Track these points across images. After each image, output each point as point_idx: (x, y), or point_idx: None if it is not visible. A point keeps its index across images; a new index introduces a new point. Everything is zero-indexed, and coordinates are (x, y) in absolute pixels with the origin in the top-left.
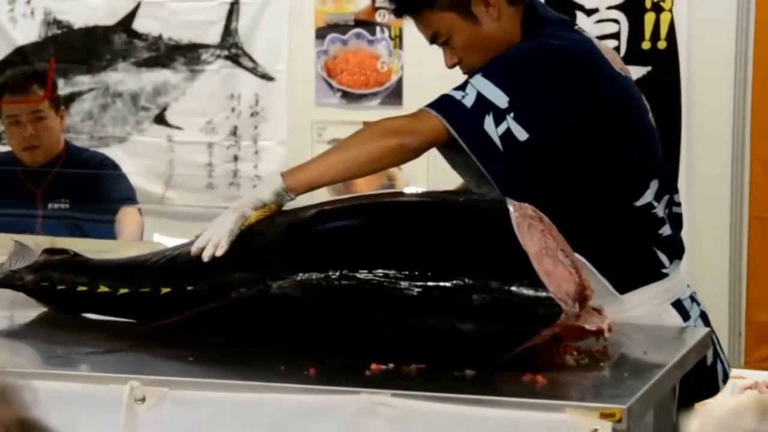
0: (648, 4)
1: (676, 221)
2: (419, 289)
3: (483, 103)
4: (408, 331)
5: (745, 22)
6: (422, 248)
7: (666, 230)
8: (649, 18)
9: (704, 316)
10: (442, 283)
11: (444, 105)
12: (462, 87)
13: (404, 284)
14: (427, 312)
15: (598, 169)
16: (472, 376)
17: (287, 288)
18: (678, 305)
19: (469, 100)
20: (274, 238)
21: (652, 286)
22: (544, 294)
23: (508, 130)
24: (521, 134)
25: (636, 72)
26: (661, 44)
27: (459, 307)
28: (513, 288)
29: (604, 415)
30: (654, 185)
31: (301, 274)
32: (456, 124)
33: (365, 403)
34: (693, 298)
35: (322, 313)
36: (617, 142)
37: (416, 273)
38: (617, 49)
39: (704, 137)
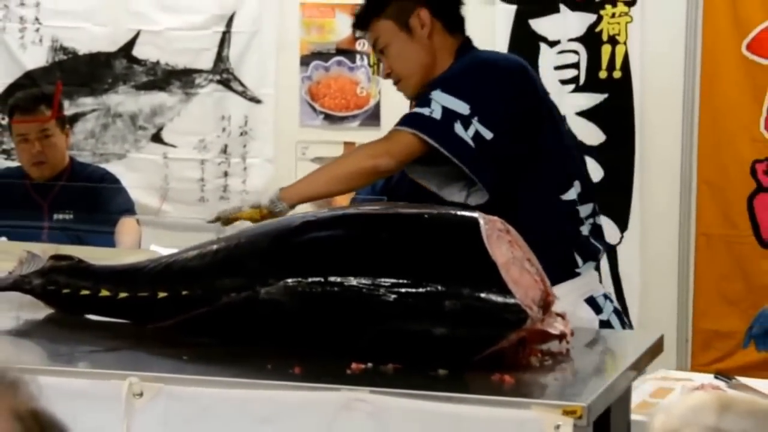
0: (605, 37)
1: (598, 231)
2: (396, 295)
3: (449, 114)
4: (386, 334)
5: (692, 54)
6: (399, 257)
7: (585, 230)
8: (606, 50)
9: (618, 312)
10: (417, 290)
11: (417, 121)
12: (426, 104)
13: (382, 290)
14: (404, 316)
15: (537, 162)
16: (445, 375)
17: (274, 293)
18: (591, 301)
19: (437, 114)
20: (263, 247)
21: (566, 284)
22: (511, 301)
23: (477, 132)
24: (487, 134)
25: (593, 99)
26: (617, 74)
27: (433, 312)
28: (483, 295)
29: (567, 412)
30: (577, 186)
31: (287, 281)
32: (432, 134)
33: (346, 399)
34: (606, 297)
35: (306, 317)
36: (551, 139)
37: (394, 280)
38: (577, 77)
39: (655, 159)
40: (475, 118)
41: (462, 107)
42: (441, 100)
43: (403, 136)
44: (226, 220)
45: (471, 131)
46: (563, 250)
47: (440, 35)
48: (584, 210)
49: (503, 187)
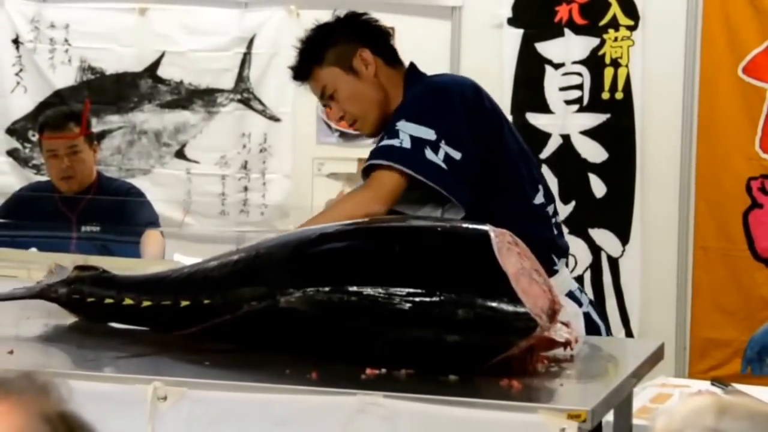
0: (607, 60)
1: (560, 230)
2: (411, 304)
3: (418, 141)
4: (401, 341)
5: (691, 76)
6: (414, 268)
7: (555, 229)
8: (608, 72)
9: (593, 303)
10: (431, 299)
11: (390, 153)
12: (395, 135)
13: (397, 300)
14: (418, 324)
15: (505, 172)
16: (455, 380)
17: (293, 302)
18: (571, 295)
19: (406, 143)
20: (282, 258)
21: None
22: (521, 310)
23: (447, 154)
24: (456, 155)
25: (596, 119)
26: (619, 95)
27: (446, 320)
28: (494, 304)
29: (571, 416)
30: (541, 190)
31: (305, 290)
32: (407, 164)
33: (360, 403)
34: (581, 290)
35: (324, 325)
36: (513, 148)
37: (408, 290)
38: (581, 98)
39: (656, 176)
40: (442, 142)
41: (428, 133)
42: (407, 130)
43: (384, 175)
44: None
45: (441, 154)
46: (542, 252)
47: (383, 70)
48: (550, 209)
49: (477, 201)
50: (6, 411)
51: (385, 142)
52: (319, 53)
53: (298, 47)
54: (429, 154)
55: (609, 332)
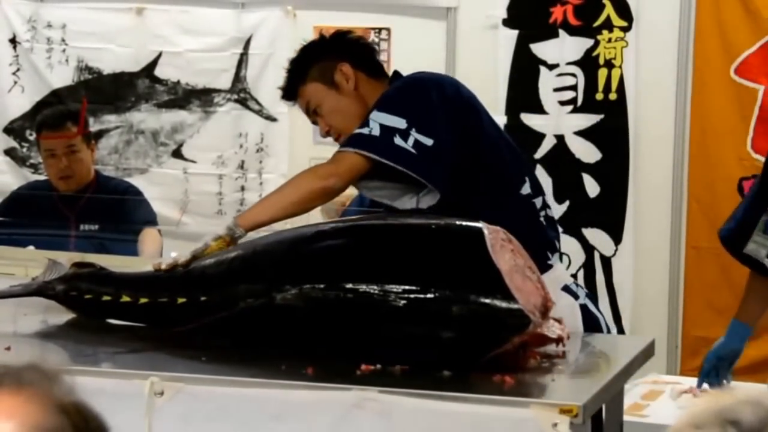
0: (601, 61)
1: (552, 223)
2: (405, 301)
3: (387, 129)
4: (396, 338)
5: (684, 77)
6: (408, 265)
7: (544, 222)
8: (602, 73)
9: (590, 296)
10: (426, 296)
11: (358, 140)
12: (365, 124)
13: (392, 296)
14: (413, 321)
15: (488, 162)
16: (449, 376)
17: (289, 299)
18: (567, 289)
19: (376, 131)
20: (278, 255)
21: (544, 276)
22: (515, 306)
23: (417, 141)
24: (427, 141)
25: (590, 119)
26: (612, 96)
27: (441, 317)
28: (488, 301)
29: (563, 411)
30: (528, 181)
31: (302, 287)
32: (373, 150)
33: (356, 398)
34: (576, 284)
35: (319, 321)
36: (494, 141)
37: (404, 287)
38: (575, 99)
39: (649, 176)
40: (413, 130)
41: (399, 122)
42: (378, 119)
43: (348, 156)
44: (200, 257)
45: (410, 141)
46: (532, 245)
47: (365, 83)
48: (537, 203)
49: (460, 192)
50: (22, 403)
51: (356, 130)
52: (303, 70)
53: (287, 68)
54: (398, 140)
55: (608, 325)
